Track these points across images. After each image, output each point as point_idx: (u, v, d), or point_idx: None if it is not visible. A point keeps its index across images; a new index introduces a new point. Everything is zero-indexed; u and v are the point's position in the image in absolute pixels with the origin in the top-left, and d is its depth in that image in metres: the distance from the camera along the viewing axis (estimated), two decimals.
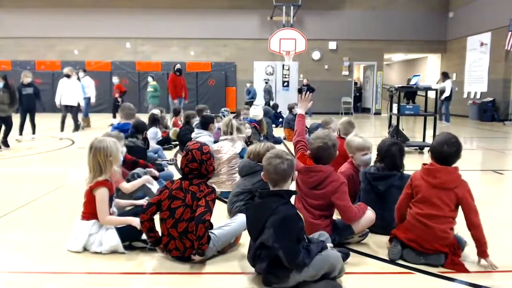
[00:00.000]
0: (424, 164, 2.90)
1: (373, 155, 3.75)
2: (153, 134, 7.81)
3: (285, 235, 2.36)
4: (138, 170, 4.24)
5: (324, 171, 3.06)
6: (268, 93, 16.72)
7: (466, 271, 2.72)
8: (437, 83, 14.09)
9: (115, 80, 13.48)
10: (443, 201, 2.74)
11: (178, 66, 12.23)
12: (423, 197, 2.82)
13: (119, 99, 12.67)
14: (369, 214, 3.13)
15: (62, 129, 10.04)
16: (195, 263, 2.82)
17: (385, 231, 3.19)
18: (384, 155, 3.42)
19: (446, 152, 2.77)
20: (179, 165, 5.73)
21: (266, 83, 17.09)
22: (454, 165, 2.81)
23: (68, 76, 10.05)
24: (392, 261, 2.89)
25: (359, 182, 3.64)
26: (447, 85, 13.52)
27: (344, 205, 3.00)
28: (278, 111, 13.60)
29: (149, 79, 13.84)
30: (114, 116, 13.03)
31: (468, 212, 2.75)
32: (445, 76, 13.97)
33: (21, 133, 8.81)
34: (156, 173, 4.47)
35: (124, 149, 4.12)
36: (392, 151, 3.39)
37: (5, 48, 18.43)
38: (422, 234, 2.79)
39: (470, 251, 3.02)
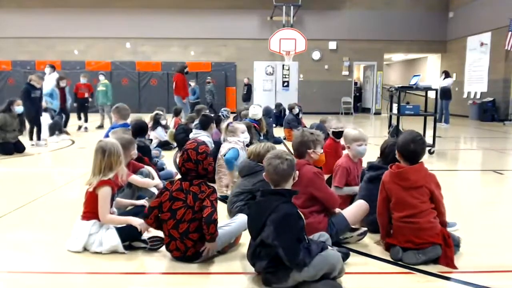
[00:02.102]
0: (391, 167, 2.98)
1: (369, 151, 3.82)
2: (160, 134, 7.81)
3: (286, 232, 2.37)
4: (142, 170, 4.22)
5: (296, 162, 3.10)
6: (211, 93, 15.87)
7: (454, 267, 2.75)
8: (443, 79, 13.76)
9: (84, 80, 12.00)
10: (418, 199, 2.84)
11: (187, 68, 12.36)
12: (398, 200, 2.91)
13: (90, 100, 11.91)
14: (361, 204, 3.19)
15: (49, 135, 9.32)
16: (198, 262, 2.82)
17: (370, 225, 3.30)
18: (385, 155, 3.49)
19: (413, 149, 2.88)
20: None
21: (208, 83, 16.04)
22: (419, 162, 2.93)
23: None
24: (394, 261, 2.89)
25: (356, 175, 3.84)
26: (447, 82, 13.34)
27: (324, 196, 3.08)
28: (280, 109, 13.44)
29: (101, 77, 12.79)
30: (80, 118, 11.65)
31: (437, 205, 2.89)
32: (446, 74, 13.77)
33: (31, 138, 8.44)
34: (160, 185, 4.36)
35: (136, 151, 4.10)
36: (395, 152, 3.43)
37: (5, 48, 18.43)
38: (411, 231, 2.84)
39: (467, 251, 3.03)
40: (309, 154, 3.25)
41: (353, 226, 3.24)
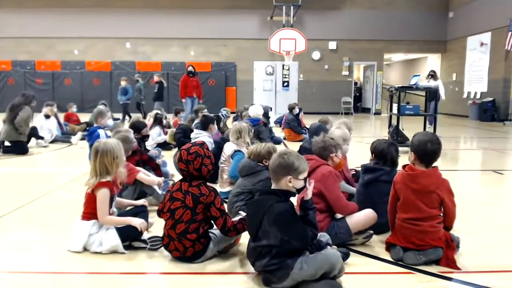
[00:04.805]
0: (404, 167, 2.95)
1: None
2: (156, 133, 7.82)
3: (289, 225, 2.41)
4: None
5: (317, 160, 3.20)
6: (140, 92, 14.46)
7: (457, 268, 2.75)
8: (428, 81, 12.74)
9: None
10: (426, 204, 2.80)
11: (190, 68, 12.30)
12: (405, 201, 2.88)
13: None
14: (368, 212, 3.14)
15: None
16: (198, 262, 2.83)
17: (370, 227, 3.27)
18: (382, 156, 3.47)
19: (430, 150, 2.83)
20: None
21: (137, 81, 14.63)
22: (433, 166, 2.87)
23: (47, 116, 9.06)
24: (394, 261, 2.89)
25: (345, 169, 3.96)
26: (433, 83, 12.36)
27: (331, 198, 3.06)
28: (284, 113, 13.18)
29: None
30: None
31: (447, 212, 2.87)
32: (432, 76, 12.83)
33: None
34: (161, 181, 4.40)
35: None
36: (392, 153, 3.47)
37: (5, 48, 18.44)
38: (413, 233, 2.83)
39: (467, 251, 3.03)
40: (332, 158, 3.33)
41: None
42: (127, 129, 4.52)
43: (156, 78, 14.22)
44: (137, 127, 5.21)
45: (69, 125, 10.16)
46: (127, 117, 13.40)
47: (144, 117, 13.36)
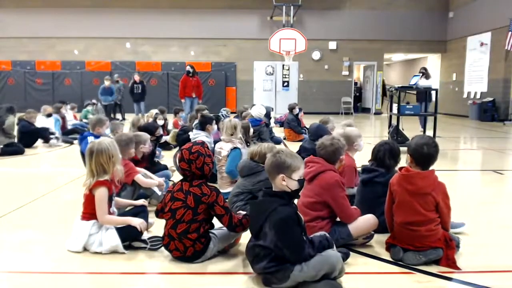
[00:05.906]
0: (400, 169, 2.95)
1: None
2: None
3: (287, 233, 2.38)
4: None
5: (323, 164, 3.12)
6: (119, 92, 14.23)
7: (457, 268, 2.74)
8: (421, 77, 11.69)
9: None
10: (422, 206, 2.79)
11: (188, 67, 12.32)
12: (401, 203, 2.87)
13: None
14: (369, 218, 3.12)
15: None
16: (198, 262, 2.83)
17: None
18: (376, 154, 3.51)
19: (426, 153, 2.82)
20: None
21: (117, 82, 14.34)
22: (430, 169, 2.87)
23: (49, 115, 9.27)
24: (394, 261, 2.89)
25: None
26: (425, 82, 11.61)
27: (336, 208, 3.01)
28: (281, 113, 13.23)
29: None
30: None
31: (441, 215, 2.85)
32: (425, 74, 10.60)
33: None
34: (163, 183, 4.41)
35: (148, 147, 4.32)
36: (381, 151, 3.47)
37: (5, 48, 18.42)
38: (411, 237, 2.83)
39: (467, 251, 3.03)
40: (341, 160, 3.23)
41: None
42: (145, 133, 4.50)
43: (137, 78, 14.00)
44: (149, 129, 5.17)
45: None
46: (126, 116, 13.40)
47: (124, 118, 13.32)
